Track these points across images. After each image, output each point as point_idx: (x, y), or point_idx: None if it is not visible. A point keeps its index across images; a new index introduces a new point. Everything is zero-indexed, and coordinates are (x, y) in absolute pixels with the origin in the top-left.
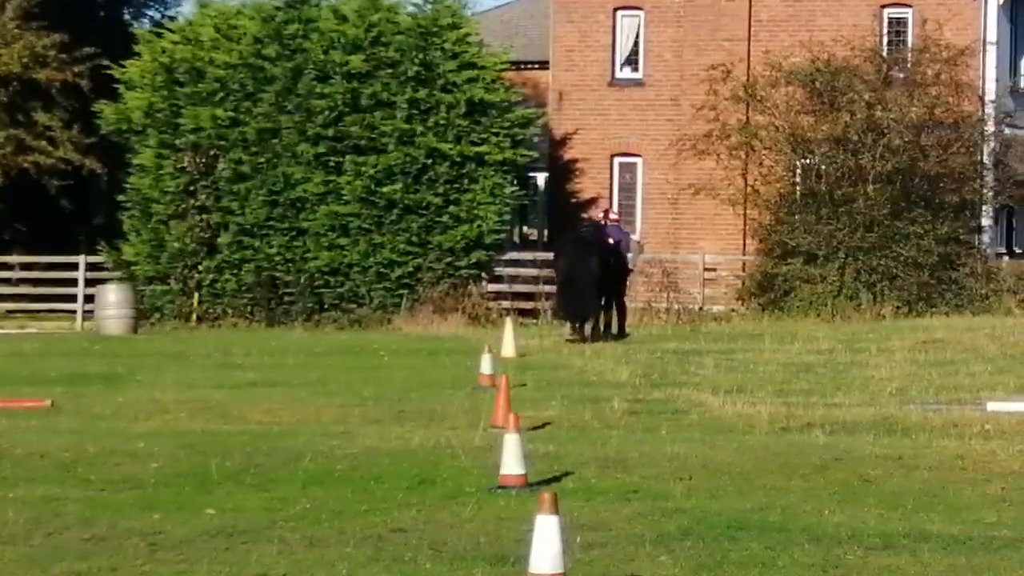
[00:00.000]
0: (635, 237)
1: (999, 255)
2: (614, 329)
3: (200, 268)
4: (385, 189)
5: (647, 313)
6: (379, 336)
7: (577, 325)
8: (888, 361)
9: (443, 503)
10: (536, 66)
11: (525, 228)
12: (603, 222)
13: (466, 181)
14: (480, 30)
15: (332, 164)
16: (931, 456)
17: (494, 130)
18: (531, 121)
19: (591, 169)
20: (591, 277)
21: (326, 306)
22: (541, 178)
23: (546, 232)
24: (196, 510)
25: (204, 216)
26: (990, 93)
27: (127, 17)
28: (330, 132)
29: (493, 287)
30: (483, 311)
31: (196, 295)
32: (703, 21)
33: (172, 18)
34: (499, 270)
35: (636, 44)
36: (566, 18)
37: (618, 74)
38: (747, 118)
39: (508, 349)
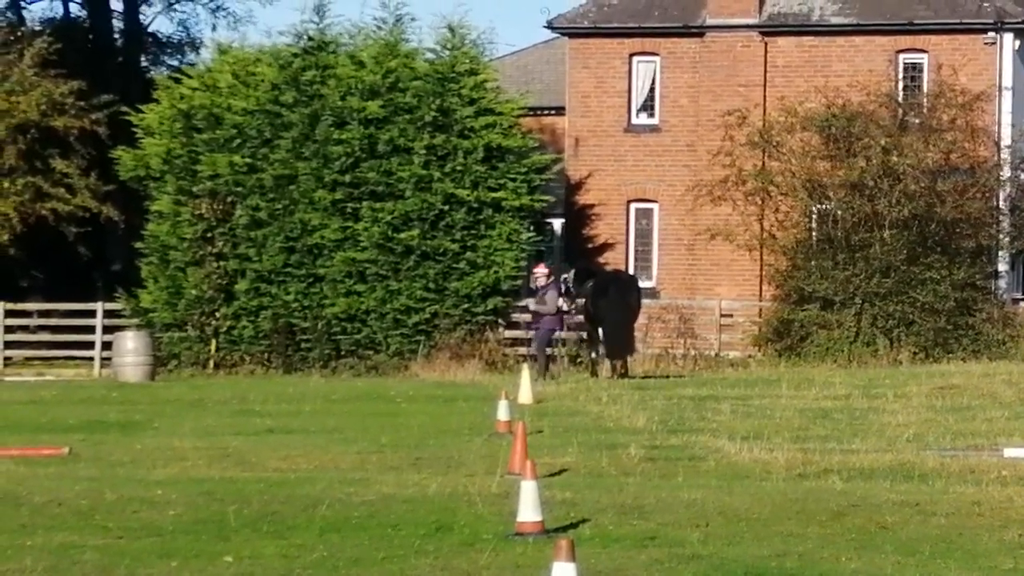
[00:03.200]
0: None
1: (1016, 300)
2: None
3: (217, 315)
4: (402, 235)
5: (664, 359)
6: (396, 383)
7: (617, 363)
8: (905, 407)
9: (460, 550)
10: (552, 112)
11: None
12: (536, 285)
13: (483, 227)
14: (497, 76)
15: (349, 210)
16: (948, 502)
17: (511, 176)
18: (548, 167)
19: (607, 215)
20: (632, 316)
21: (343, 352)
22: (558, 224)
23: (563, 278)
24: (214, 557)
25: (221, 263)
26: (1006, 138)
27: (145, 64)
28: (347, 178)
29: (510, 333)
30: (500, 357)
31: (213, 342)
32: (719, 67)
33: (190, 64)
34: (516, 316)
35: (652, 90)
36: (582, 64)
37: (634, 120)
38: (763, 164)
39: (525, 395)
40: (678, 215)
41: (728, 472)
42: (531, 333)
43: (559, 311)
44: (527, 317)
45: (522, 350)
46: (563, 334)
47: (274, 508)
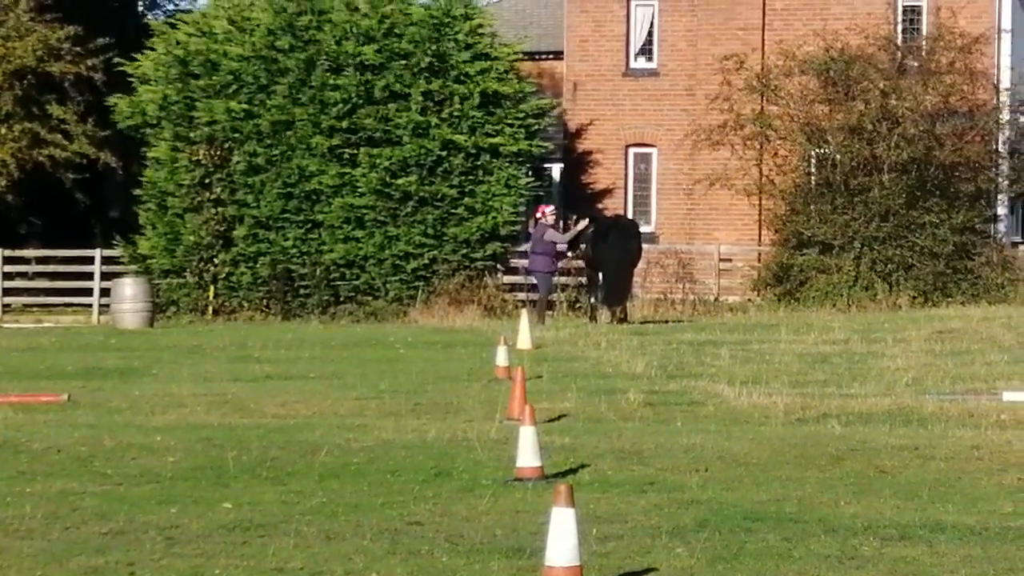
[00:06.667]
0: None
1: (1015, 244)
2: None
3: (216, 261)
4: (400, 181)
5: (662, 304)
6: (395, 328)
7: (616, 310)
8: (904, 351)
9: (459, 496)
10: (550, 56)
11: None
12: (541, 218)
13: (481, 173)
14: (494, 20)
15: (346, 156)
16: (947, 446)
17: (508, 121)
18: (545, 112)
19: (606, 160)
20: (632, 263)
21: (342, 299)
22: (556, 169)
23: (562, 223)
24: (213, 504)
25: (219, 209)
26: (1005, 81)
27: (141, 9)
28: (344, 124)
29: (508, 279)
30: (499, 303)
31: (212, 288)
32: (717, 10)
33: (186, 10)
34: (514, 262)
35: (650, 34)
36: (580, 7)
37: (632, 64)
38: (762, 108)
39: (524, 341)
40: (677, 160)
41: (727, 417)
42: (530, 278)
43: (557, 253)
44: (525, 263)
45: (520, 296)
46: (560, 279)
47: (273, 454)
